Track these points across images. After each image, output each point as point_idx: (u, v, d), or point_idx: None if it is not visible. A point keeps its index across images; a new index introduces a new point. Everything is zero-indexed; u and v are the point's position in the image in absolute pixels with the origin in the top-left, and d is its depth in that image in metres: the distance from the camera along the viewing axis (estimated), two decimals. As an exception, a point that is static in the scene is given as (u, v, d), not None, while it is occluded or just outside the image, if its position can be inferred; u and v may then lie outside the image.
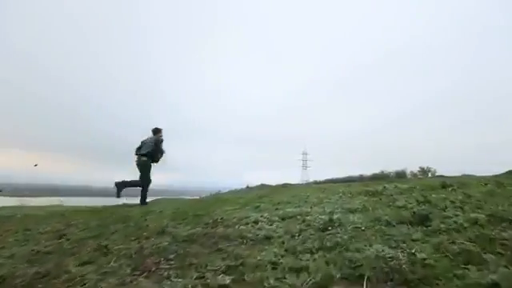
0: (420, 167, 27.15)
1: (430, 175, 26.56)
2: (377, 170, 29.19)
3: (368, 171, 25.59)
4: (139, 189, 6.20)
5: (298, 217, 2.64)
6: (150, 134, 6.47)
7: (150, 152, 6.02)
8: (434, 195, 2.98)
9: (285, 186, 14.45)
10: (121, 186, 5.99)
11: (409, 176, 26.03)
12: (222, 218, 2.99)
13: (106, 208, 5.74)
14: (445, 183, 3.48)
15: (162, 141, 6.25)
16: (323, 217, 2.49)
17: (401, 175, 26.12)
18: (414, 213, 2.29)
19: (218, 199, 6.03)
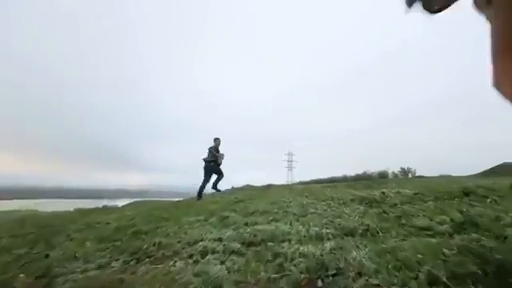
0: (401, 168, 27.02)
1: (410, 176, 26.51)
2: (360, 171, 28.95)
3: (351, 172, 25.17)
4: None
5: (270, 244, 1.74)
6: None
7: (211, 158, 7.16)
8: (466, 208, 1.98)
9: (269, 186, 13.59)
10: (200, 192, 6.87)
11: (390, 176, 25.89)
12: (159, 244, 2.02)
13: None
14: (467, 188, 2.62)
15: (216, 148, 7.30)
16: (307, 249, 1.57)
17: (383, 175, 25.84)
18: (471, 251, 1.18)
19: (189, 205, 5.07)
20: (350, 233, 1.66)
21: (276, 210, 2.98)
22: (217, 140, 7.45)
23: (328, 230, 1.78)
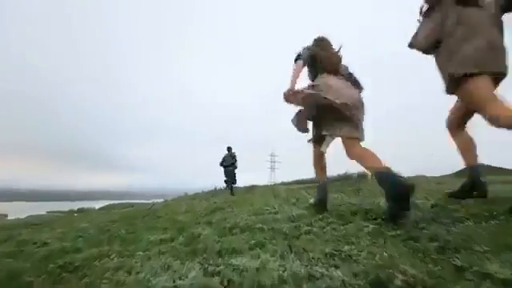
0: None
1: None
2: (341, 171, 28.97)
3: (333, 172, 25.02)
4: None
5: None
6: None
7: (234, 164, 8.71)
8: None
9: (252, 188, 12.98)
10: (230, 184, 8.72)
11: (369, 177, 26.09)
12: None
13: None
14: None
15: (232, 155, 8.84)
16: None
17: (363, 176, 25.94)
18: None
19: (160, 213, 4.31)
20: (377, 281, 1.05)
21: (260, 226, 2.33)
22: (230, 148, 8.91)
23: (339, 272, 1.17)
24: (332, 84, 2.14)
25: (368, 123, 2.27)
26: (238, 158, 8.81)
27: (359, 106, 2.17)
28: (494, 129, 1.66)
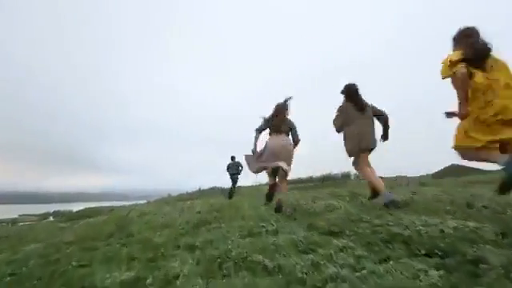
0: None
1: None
2: (325, 172, 28.77)
3: (317, 172, 24.84)
4: None
5: None
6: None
7: (239, 171, 9.20)
8: None
9: (238, 188, 12.32)
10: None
11: (352, 178, 26.01)
12: None
13: None
14: None
15: (236, 163, 9.23)
16: None
17: (346, 176, 25.93)
18: None
19: (124, 231, 3.50)
20: None
21: (261, 260, 1.66)
22: (234, 157, 9.35)
23: None
24: (269, 145, 3.44)
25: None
26: (231, 163, 9.51)
27: (281, 150, 3.37)
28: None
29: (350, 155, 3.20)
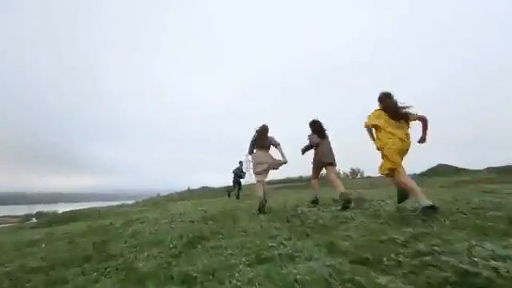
0: (351, 168, 27.45)
1: (359, 176, 27.09)
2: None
3: (306, 172, 24.62)
4: None
5: None
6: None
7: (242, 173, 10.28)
8: None
9: (228, 188, 11.82)
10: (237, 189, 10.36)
11: (341, 176, 25.98)
12: None
13: None
14: None
15: (240, 168, 10.22)
16: None
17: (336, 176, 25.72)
18: None
19: (101, 251, 2.95)
20: None
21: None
22: (241, 163, 10.13)
23: None
24: (256, 158, 4.33)
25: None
26: (237, 167, 10.48)
27: (263, 161, 4.29)
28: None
29: (316, 166, 4.25)
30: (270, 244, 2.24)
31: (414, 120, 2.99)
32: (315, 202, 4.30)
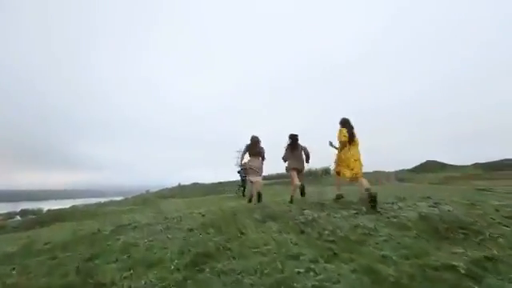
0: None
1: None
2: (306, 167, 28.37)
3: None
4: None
5: None
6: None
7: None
8: None
9: (220, 184, 11.40)
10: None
11: (332, 173, 25.95)
12: None
13: None
14: None
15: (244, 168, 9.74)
16: None
17: (326, 172, 25.88)
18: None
19: (87, 274, 2.46)
20: None
21: None
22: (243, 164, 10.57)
23: None
24: (249, 163, 5.19)
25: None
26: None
27: (258, 166, 5.18)
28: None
29: (287, 170, 4.95)
30: (296, 269, 1.83)
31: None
32: (291, 201, 4.79)
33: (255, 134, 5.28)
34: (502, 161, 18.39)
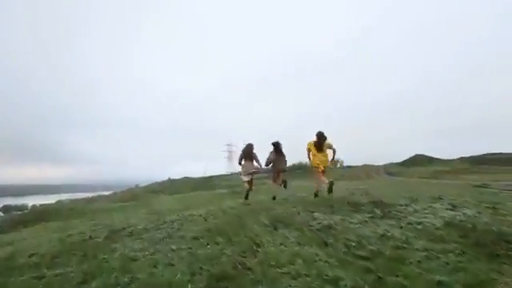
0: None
1: (338, 165, 27.38)
2: (295, 161, 28.49)
3: (289, 163, 24.43)
4: None
5: None
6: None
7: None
8: None
9: (209, 179, 11.01)
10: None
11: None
12: None
13: None
14: None
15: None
16: None
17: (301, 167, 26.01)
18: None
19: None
20: None
21: None
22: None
23: None
24: (244, 166, 5.91)
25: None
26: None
27: (252, 168, 5.90)
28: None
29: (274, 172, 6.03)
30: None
31: (329, 148, 5.44)
32: (274, 199, 5.69)
33: (250, 142, 6.20)
34: (484, 155, 18.97)
